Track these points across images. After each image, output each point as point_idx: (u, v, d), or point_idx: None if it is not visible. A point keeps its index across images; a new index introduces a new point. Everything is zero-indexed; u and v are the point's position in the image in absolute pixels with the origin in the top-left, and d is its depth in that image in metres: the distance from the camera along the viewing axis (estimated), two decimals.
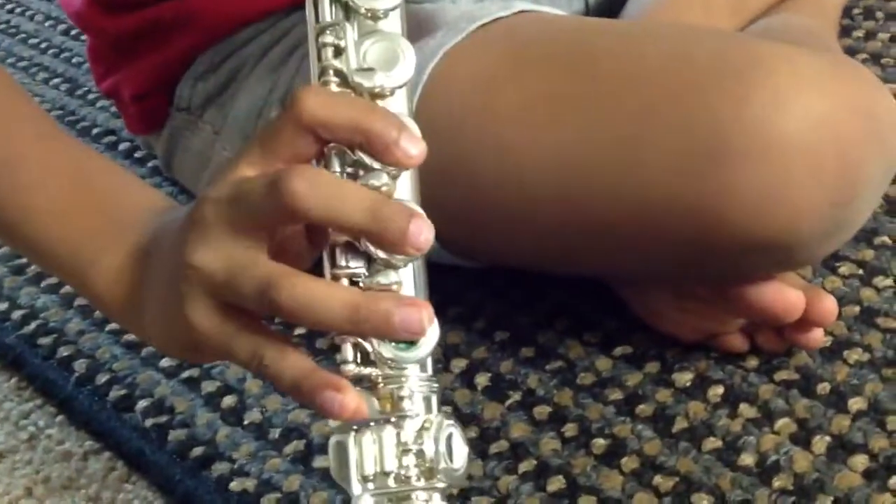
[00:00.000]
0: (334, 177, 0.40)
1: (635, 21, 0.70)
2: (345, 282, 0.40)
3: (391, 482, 0.39)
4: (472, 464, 0.42)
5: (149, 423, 0.63)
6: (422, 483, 0.39)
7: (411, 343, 0.39)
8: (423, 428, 0.39)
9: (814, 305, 0.58)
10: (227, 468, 0.59)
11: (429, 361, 0.40)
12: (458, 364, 0.64)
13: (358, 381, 0.39)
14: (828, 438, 0.57)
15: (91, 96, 0.99)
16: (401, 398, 0.39)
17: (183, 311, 0.43)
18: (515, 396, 0.62)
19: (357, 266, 0.40)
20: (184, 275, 0.42)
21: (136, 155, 0.89)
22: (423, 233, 0.39)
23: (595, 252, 0.60)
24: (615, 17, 0.79)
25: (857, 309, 0.65)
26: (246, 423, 0.62)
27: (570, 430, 0.59)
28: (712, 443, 0.57)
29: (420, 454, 0.39)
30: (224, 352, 0.43)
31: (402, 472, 0.39)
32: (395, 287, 0.40)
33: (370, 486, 0.39)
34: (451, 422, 0.40)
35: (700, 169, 0.53)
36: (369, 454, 0.39)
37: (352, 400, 0.38)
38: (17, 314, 0.73)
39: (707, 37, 0.58)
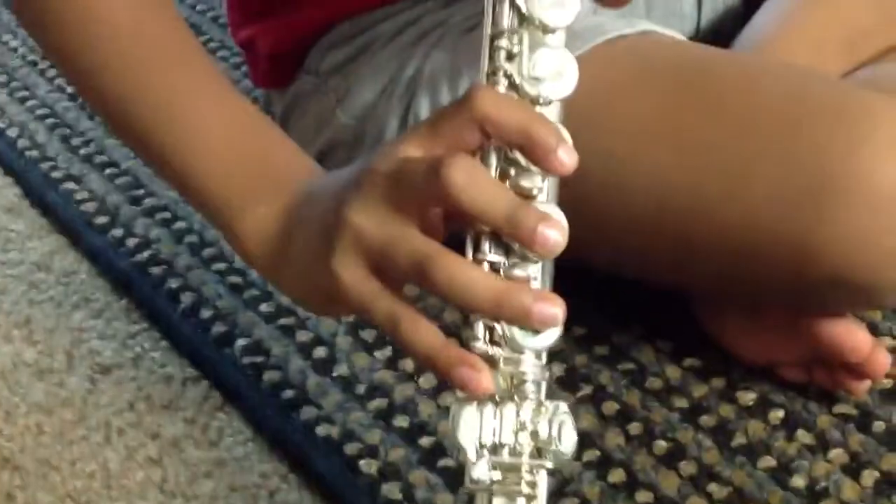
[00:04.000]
0: (488, 174, 0.44)
1: (755, 56, 0.73)
2: (485, 267, 0.43)
3: (504, 454, 0.43)
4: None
5: (246, 361, 0.68)
6: (531, 460, 0.43)
7: (536, 331, 0.43)
8: (539, 410, 0.43)
9: (872, 358, 0.62)
10: (314, 413, 0.64)
11: (545, 351, 0.44)
12: None
13: (483, 358, 0.43)
14: (877, 473, 0.60)
15: (212, 45, 1.04)
16: (522, 381, 0.43)
17: (332, 263, 0.46)
18: (586, 390, 0.66)
19: (497, 255, 0.43)
20: (340, 231, 0.46)
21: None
22: (551, 237, 0.42)
23: (684, 264, 0.64)
24: (725, 43, 0.83)
25: None
26: (335, 375, 0.67)
27: (634, 428, 0.64)
28: (767, 461, 0.61)
29: (534, 434, 0.43)
30: (362, 308, 0.46)
31: (517, 447, 0.43)
32: (528, 279, 0.43)
33: (485, 453, 0.43)
34: (566, 409, 0.44)
35: (802, 205, 0.57)
36: (489, 426, 0.43)
37: (486, 378, 0.42)
38: (131, 241, 0.78)
39: (822, 82, 0.62)
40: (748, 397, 0.66)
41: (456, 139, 0.44)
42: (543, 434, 0.44)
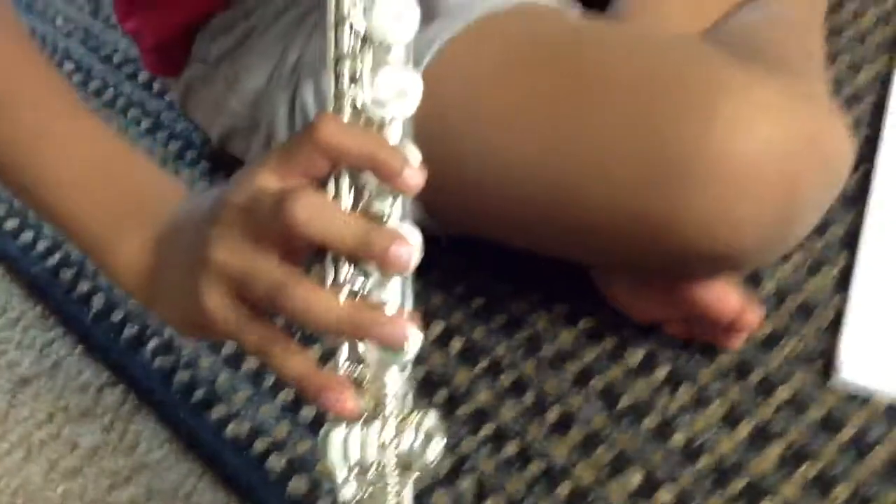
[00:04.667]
0: (332, 205, 0.45)
1: (617, 28, 0.74)
2: (344, 290, 0.45)
3: (372, 471, 0.46)
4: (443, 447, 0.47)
5: (158, 362, 0.71)
6: (398, 472, 0.46)
7: (397, 351, 0.46)
8: (405, 423, 0.46)
9: (742, 315, 0.65)
10: (224, 412, 0.67)
11: (409, 364, 0.47)
12: (437, 327, 0.72)
13: (349, 378, 0.46)
14: (752, 425, 0.65)
15: (114, 20, 1.03)
16: (385, 396, 0.46)
17: (200, 298, 0.48)
18: (484, 363, 0.70)
19: (353, 275, 0.45)
20: (203, 267, 0.48)
21: (154, 86, 0.95)
22: (404, 255, 0.44)
23: (562, 241, 0.66)
24: None
25: (798, 299, 0.72)
26: (244, 369, 0.70)
27: (528, 399, 0.67)
28: (651, 421, 0.65)
29: (399, 448, 0.46)
30: (231, 337, 0.49)
31: (383, 462, 0.46)
32: (386, 296, 0.45)
33: (353, 473, 0.46)
34: (431, 418, 0.46)
35: (659, 184, 0.59)
36: (355, 445, 0.46)
37: (349, 400, 0.45)
38: (41, 245, 0.80)
39: (677, 54, 0.63)
40: (636, 356, 0.69)
41: (306, 167, 0.46)
42: (407, 447, 0.47)
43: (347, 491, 0.47)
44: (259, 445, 0.65)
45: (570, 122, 0.62)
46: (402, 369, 0.47)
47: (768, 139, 0.58)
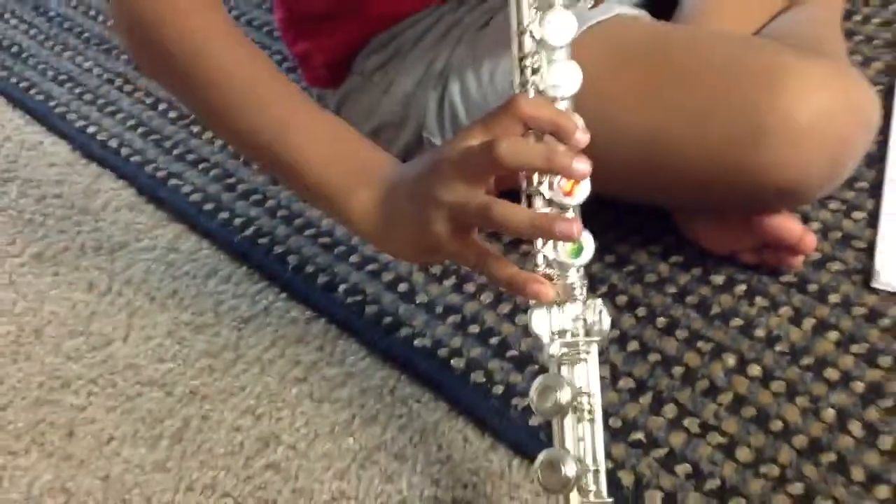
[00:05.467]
0: (526, 140, 0.65)
1: (697, 28, 0.96)
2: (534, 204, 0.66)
3: (567, 336, 0.67)
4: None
5: (350, 300, 0.91)
6: (585, 338, 0.67)
7: (578, 253, 0.67)
8: (585, 305, 0.67)
9: (803, 238, 0.87)
10: (409, 332, 0.88)
11: (583, 267, 0.68)
12: None
13: (544, 276, 0.66)
14: (813, 320, 0.86)
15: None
16: (571, 287, 0.67)
17: (429, 228, 0.68)
18: (603, 289, 0.90)
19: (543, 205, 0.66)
20: (430, 205, 0.67)
21: None
22: (584, 163, 0.64)
23: (667, 189, 0.88)
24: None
25: (839, 234, 0.94)
26: (417, 302, 0.91)
27: (641, 312, 0.88)
28: (737, 322, 0.86)
29: (584, 321, 0.66)
30: (457, 256, 0.69)
31: (574, 330, 0.67)
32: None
33: (555, 337, 0.67)
34: (602, 303, 0.67)
35: (745, 141, 0.80)
36: (554, 319, 0.67)
37: (548, 289, 0.65)
38: (237, 221, 1.01)
39: (750, 47, 0.85)
40: (719, 279, 0.90)
41: (505, 132, 0.66)
42: (590, 320, 0.68)
43: (552, 349, 0.67)
44: (441, 353, 0.86)
45: (672, 98, 0.84)
46: (579, 270, 0.68)
47: (822, 105, 0.80)
